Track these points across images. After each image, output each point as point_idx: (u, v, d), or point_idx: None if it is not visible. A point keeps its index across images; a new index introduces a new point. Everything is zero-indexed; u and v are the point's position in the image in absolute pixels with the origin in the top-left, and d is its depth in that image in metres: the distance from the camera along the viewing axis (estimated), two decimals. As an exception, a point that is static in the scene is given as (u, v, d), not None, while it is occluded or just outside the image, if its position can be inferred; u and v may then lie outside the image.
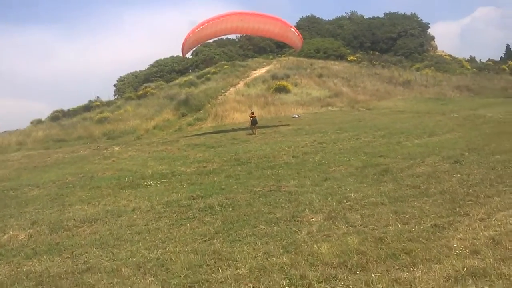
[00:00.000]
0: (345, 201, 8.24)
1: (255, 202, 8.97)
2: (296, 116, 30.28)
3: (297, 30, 26.54)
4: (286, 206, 8.43)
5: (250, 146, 18.04)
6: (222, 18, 24.19)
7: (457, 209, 6.91)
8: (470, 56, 77.03)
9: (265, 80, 43.31)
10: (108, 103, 49.99)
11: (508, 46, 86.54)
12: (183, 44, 24.80)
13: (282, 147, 16.41)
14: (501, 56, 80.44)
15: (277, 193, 9.50)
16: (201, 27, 24.01)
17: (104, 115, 38.12)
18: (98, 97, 55.10)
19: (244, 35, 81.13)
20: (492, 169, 9.44)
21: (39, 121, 46.85)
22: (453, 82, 48.99)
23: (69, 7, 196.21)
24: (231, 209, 8.72)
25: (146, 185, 12.28)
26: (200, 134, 25.56)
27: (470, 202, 7.20)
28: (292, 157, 14.08)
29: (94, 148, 25.27)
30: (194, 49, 78.06)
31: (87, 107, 49.98)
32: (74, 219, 9.29)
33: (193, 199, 9.77)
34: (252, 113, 24.40)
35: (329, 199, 8.49)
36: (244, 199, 9.32)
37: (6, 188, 14.41)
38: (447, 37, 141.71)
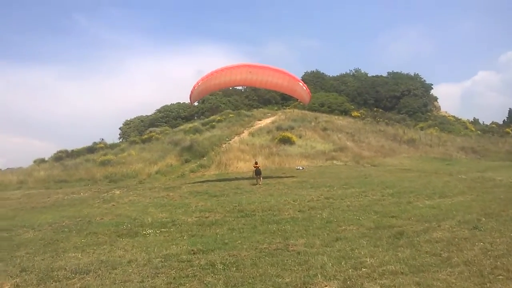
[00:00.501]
0: (360, 267, 7.52)
1: (261, 262, 8.22)
2: (301, 168, 29.90)
3: (305, 85, 26.73)
4: (295, 269, 7.67)
5: (254, 197, 17.51)
6: (232, 69, 24.50)
7: (488, 284, 6.27)
8: (474, 118, 77.71)
9: (270, 131, 43.34)
10: (112, 146, 49.98)
11: (510, 110, 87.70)
12: (192, 92, 24.98)
13: (287, 200, 15.90)
14: (504, 120, 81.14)
15: (284, 253, 8.78)
16: (210, 76, 24.27)
17: (107, 158, 37.84)
18: (102, 139, 55.27)
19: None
20: (516, 238, 8.80)
21: (42, 160, 46.71)
22: (457, 143, 48.92)
23: (79, 50, 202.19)
24: (234, 268, 7.98)
25: (145, 234, 11.71)
26: (203, 182, 25.08)
27: (501, 277, 6.54)
28: (298, 211, 13.53)
29: (94, 191, 24.90)
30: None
31: (91, 149, 49.93)
32: (66, 268, 8.60)
33: (194, 253, 9.10)
34: (256, 163, 24.19)
35: (342, 263, 7.78)
36: (249, 257, 8.62)
37: (0, 228, 13.84)
38: (449, 98, 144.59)
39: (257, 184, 22.06)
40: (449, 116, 76.26)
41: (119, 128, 79.23)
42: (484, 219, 10.88)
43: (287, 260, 8.28)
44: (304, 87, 26.35)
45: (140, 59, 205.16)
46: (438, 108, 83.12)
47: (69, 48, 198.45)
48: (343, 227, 10.73)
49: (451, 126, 65.16)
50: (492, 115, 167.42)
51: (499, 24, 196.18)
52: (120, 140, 67.61)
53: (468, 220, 10.73)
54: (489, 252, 7.88)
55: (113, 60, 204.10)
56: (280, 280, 7.16)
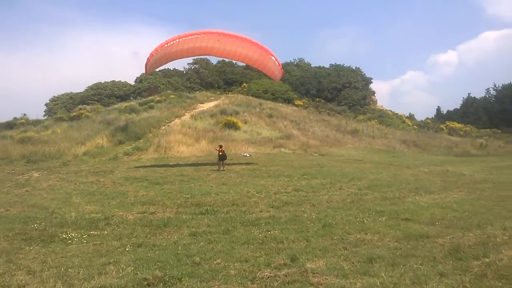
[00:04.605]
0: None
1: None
2: (248, 155, 27.83)
3: (278, 60, 24.04)
4: None
5: (206, 186, 14.77)
6: (197, 35, 21.16)
7: None
8: (410, 113, 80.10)
9: (214, 114, 40.79)
10: (35, 122, 44.76)
11: (439, 108, 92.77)
12: (148, 60, 21.30)
13: (249, 191, 13.28)
14: (432, 117, 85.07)
15: (308, 289, 5.66)
16: (171, 42, 20.82)
17: (28, 135, 32.79)
18: (24, 114, 49.42)
19: (193, 67, 79.26)
20: None
21: (-52, 135, 40.12)
22: (398, 136, 49.34)
23: (12, 22, 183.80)
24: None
25: (65, 238, 8.21)
26: (140, 167, 21.84)
27: None
28: (272, 207, 10.91)
29: (8, 172, 20.91)
30: (138, 75, 74.82)
31: (10, 124, 44.45)
32: None
33: (148, 286, 5.72)
34: (221, 146, 21.66)
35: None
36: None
37: None
38: (378, 95, 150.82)
39: (219, 170, 19.81)
40: (386, 110, 77.88)
41: (45, 105, 71.90)
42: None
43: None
44: (277, 63, 23.77)
45: (76, 35, 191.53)
46: (375, 102, 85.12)
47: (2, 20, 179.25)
48: (356, 236, 8.04)
49: (389, 120, 66.19)
50: (418, 112, 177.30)
51: (429, 28, 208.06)
52: (46, 117, 61.08)
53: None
54: None
55: (48, 34, 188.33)
56: None
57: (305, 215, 9.86)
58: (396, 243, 7.61)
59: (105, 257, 7.07)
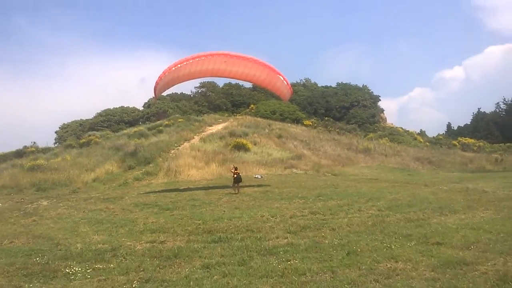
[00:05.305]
0: None
1: None
2: (259, 177, 27.24)
3: (286, 79, 23.69)
4: None
5: (218, 211, 14.19)
6: (204, 57, 21.04)
7: None
8: (421, 130, 79.25)
9: (222, 137, 40.45)
10: (45, 150, 44.55)
11: (449, 124, 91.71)
12: (156, 84, 21.19)
13: (263, 215, 12.65)
14: (443, 133, 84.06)
15: None
16: (179, 65, 20.68)
17: (37, 163, 32.56)
18: (34, 142, 49.46)
19: (200, 90, 79.69)
20: None
21: (-40, 165, 40.14)
22: (411, 154, 48.37)
23: (13, 50, 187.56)
24: None
25: (69, 273, 7.63)
26: (150, 192, 21.37)
27: None
28: (289, 233, 10.23)
29: (17, 201, 20.61)
30: (146, 101, 75.26)
31: (20, 153, 44.33)
32: None
33: None
34: (236, 168, 21.03)
35: None
36: None
37: None
38: (386, 113, 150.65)
39: (234, 193, 19.32)
40: (397, 127, 77.10)
41: (55, 132, 72.37)
42: None
43: None
44: (285, 82, 23.44)
45: (83, 63, 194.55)
46: (385, 120, 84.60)
47: (7, 51, 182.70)
48: (386, 264, 7.29)
49: (400, 137, 65.25)
50: (427, 129, 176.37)
51: (434, 44, 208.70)
52: (56, 145, 61.31)
53: None
54: None
55: (55, 63, 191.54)
56: None
57: (326, 241, 9.16)
58: (432, 273, 6.84)
59: (109, 295, 6.44)
